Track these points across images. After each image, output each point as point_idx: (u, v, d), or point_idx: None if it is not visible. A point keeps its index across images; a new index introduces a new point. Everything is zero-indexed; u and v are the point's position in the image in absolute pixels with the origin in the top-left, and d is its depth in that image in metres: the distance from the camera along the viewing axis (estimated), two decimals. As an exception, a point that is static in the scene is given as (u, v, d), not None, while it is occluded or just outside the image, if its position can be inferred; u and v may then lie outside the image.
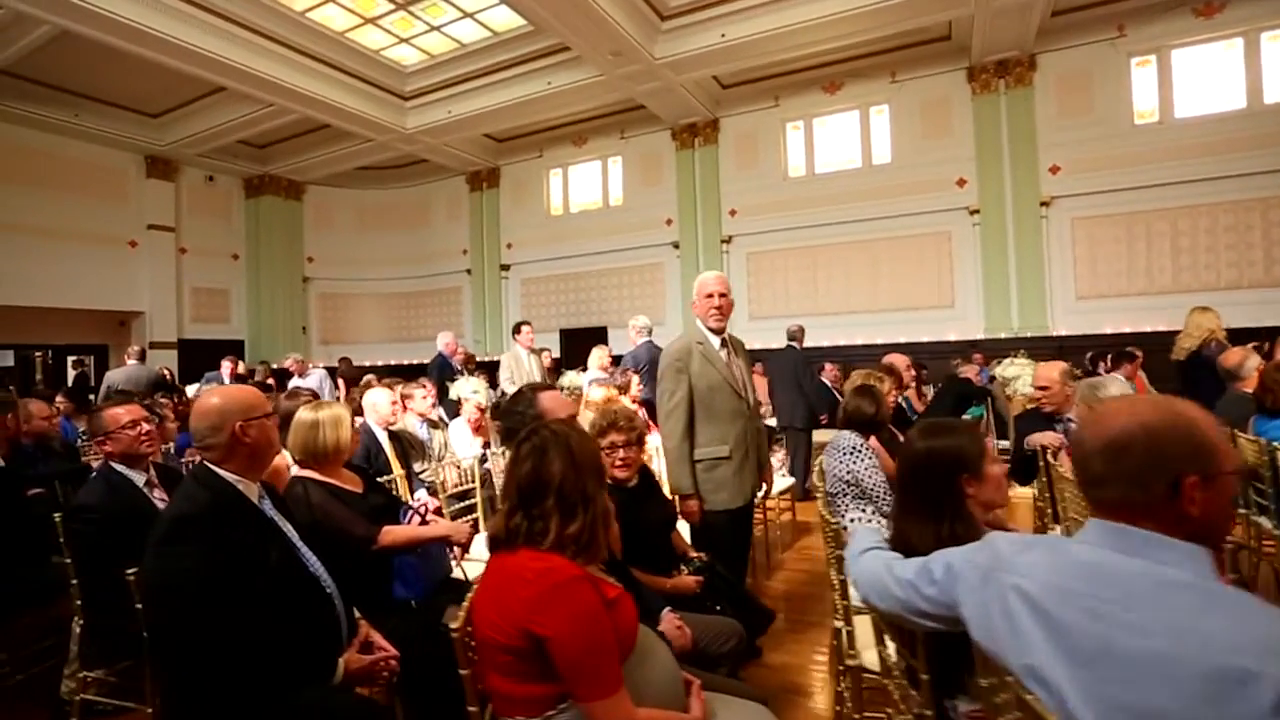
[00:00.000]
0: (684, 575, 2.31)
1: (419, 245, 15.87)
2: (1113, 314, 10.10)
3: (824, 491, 2.70)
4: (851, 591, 1.95)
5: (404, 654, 1.99)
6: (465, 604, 2.40)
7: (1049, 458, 2.91)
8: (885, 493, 2.84)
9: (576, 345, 12.87)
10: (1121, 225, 10.05)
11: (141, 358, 7.79)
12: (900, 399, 5.19)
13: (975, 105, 10.93)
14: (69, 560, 2.51)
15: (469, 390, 5.33)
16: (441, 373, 6.59)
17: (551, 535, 1.31)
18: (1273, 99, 9.25)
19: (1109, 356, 6.28)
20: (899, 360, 4.55)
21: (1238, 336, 6.57)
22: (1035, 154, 10.52)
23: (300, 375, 8.01)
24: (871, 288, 11.69)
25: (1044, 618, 0.95)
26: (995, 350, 9.92)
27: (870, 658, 1.97)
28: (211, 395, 1.78)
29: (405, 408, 4.43)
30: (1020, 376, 4.94)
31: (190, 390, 7.37)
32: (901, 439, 3.36)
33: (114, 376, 7.68)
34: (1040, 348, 9.34)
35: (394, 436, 4.01)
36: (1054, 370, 3.22)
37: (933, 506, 1.43)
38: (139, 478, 2.54)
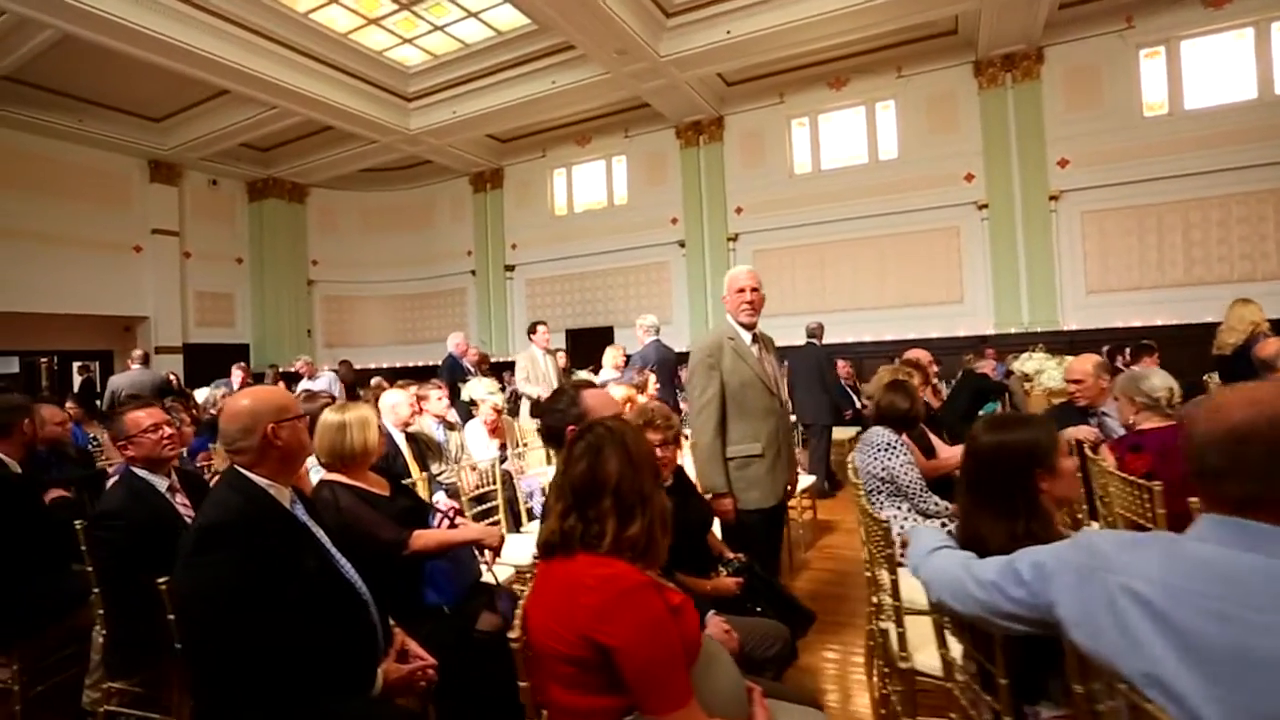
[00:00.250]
0: (723, 577, 2.25)
1: (423, 247, 15.82)
2: (1124, 308, 10.03)
3: (863, 489, 2.63)
4: (906, 591, 1.89)
5: (439, 661, 1.93)
6: (505, 611, 2.35)
7: (1087, 452, 2.85)
8: (921, 489, 2.78)
9: (583, 345, 12.81)
10: (1132, 218, 9.98)
11: (145, 362, 7.74)
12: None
13: (982, 99, 10.86)
14: (90, 568, 2.46)
15: (484, 391, 5.27)
16: (453, 374, 6.53)
17: (609, 538, 1.25)
18: (1284, 89, 9.19)
19: (1127, 350, 6.20)
20: (922, 355, 4.48)
21: (1255, 329, 6.50)
22: (1043, 148, 10.45)
23: (310, 377, 7.96)
24: (879, 284, 11.62)
25: (1162, 621, 0.89)
26: (1006, 346, 9.87)
27: (925, 660, 1.90)
28: (242, 397, 1.72)
29: (420, 409, 4.37)
30: (1045, 371, 4.87)
31: (200, 395, 7.31)
32: (932, 436, 3.30)
33: (118, 382, 7.63)
34: (1051, 343, 9.26)
35: (411, 438, 3.96)
36: (1088, 363, 3.16)
37: (1005, 503, 1.37)
38: (161, 483, 2.48)
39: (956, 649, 1.57)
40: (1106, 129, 10.04)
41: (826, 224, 11.91)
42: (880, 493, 2.82)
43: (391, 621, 1.95)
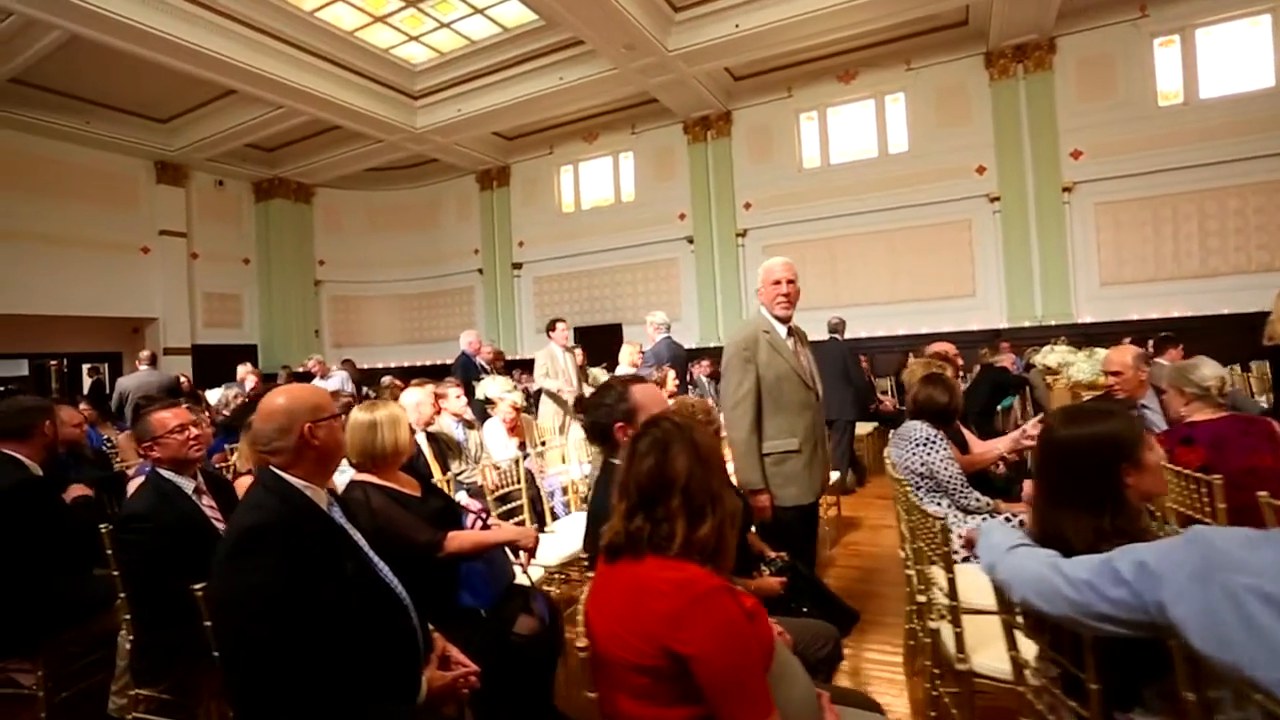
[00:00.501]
0: (766, 576, 2.19)
1: (430, 246, 15.77)
2: (1139, 300, 9.93)
3: (904, 485, 2.56)
4: (965, 590, 1.83)
5: (479, 666, 1.87)
6: (542, 614, 2.29)
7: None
8: (962, 485, 2.71)
9: (591, 343, 12.73)
10: (1147, 209, 9.87)
11: (153, 362, 7.67)
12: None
13: (993, 91, 10.75)
14: (116, 573, 2.41)
15: (502, 389, 5.22)
16: (466, 372, 6.48)
17: (678, 540, 1.19)
18: (1302, 76, 9.07)
19: (1150, 342, 6.12)
20: (949, 349, 4.41)
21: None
22: (1056, 139, 10.34)
23: (322, 377, 7.91)
24: (891, 278, 11.53)
25: None
26: (1019, 339, 9.79)
27: (983, 661, 1.84)
28: (277, 395, 1.66)
29: (439, 408, 4.32)
30: (1073, 363, 4.79)
31: (212, 396, 7.27)
32: (965, 430, 3.22)
33: (126, 383, 7.58)
34: (1064, 335, 9.19)
35: (432, 438, 3.90)
36: (1126, 355, 3.08)
37: (1089, 498, 1.30)
38: (187, 484, 2.43)
39: (1028, 650, 1.50)
40: (1120, 119, 9.92)
41: (836, 218, 11.82)
42: (919, 489, 2.75)
43: (430, 626, 1.89)
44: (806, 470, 2.63)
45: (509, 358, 13.00)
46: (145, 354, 7.82)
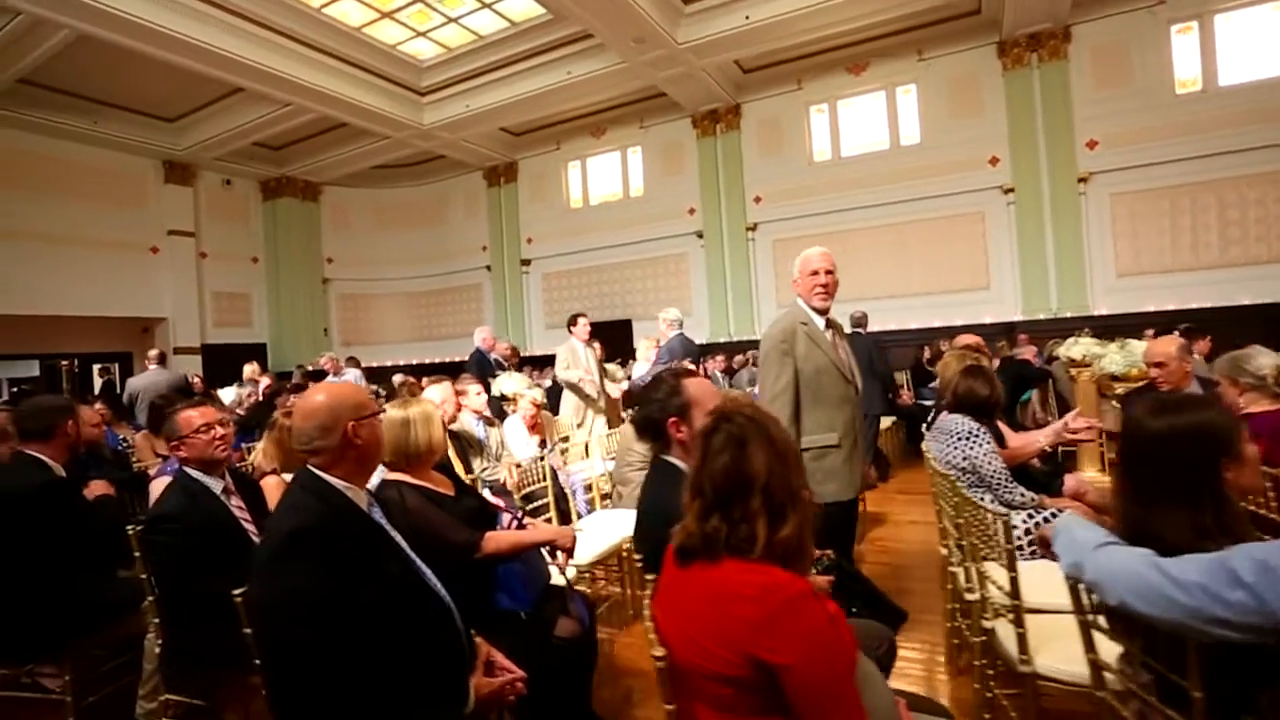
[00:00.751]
0: (814, 576, 2.12)
1: (437, 243, 15.72)
2: (1156, 291, 9.81)
3: (951, 479, 2.49)
4: (1029, 590, 1.76)
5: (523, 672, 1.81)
6: (581, 616, 2.23)
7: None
8: (1006, 479, 2.64)
9: (601, 339, 12.60)
10: (1164, 199, 9.74)
11: (162, 361, 7.61)
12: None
13: (1007, 81, 10.63)
14: (144, 575, 2.36)
15: (521, 386, 5.17)
16: (481, 369, 6.43)
17: (761, 542, 1.12)
18: (1324, 62, 8.93)
19: (1175, 332, 6.01)
20: (978, 340, 4.33)
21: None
22: (1071, 129, 10.21)
23: (335, 374, 7.87)
24: (903, 272, 11.42)
25: None
26: (1035, 332, 9.68)
27: (1047, 663, 1.77)
28: (316, 393, 1.60)
29: (459, 405, 4.25)
30: (1105, 355, 4.70)
31: (225, 396, 7.23)
32: (1001, 424, 3.14)
33: (135, 383, 7.54)
34: (1081, 328, 9.07)
35: (453, 435, 3.84)
36: (1170, 346, 3.00)
37: (1186, 494, 1.23)
38: (215, 485, 2.37)
39: (1110, 654, 1.43)
40: (1137, 108, 9.79)
41: (848, 211, 11.72)
42: (960, 484, 2.67)
43: (471, 630, 1.83)
44: (846, 465, 2.56)
45: (521, 355, 12.94)
46: (154, 353, 7.77)
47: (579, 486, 4.26)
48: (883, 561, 4.18)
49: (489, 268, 15.17)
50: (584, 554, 2.94)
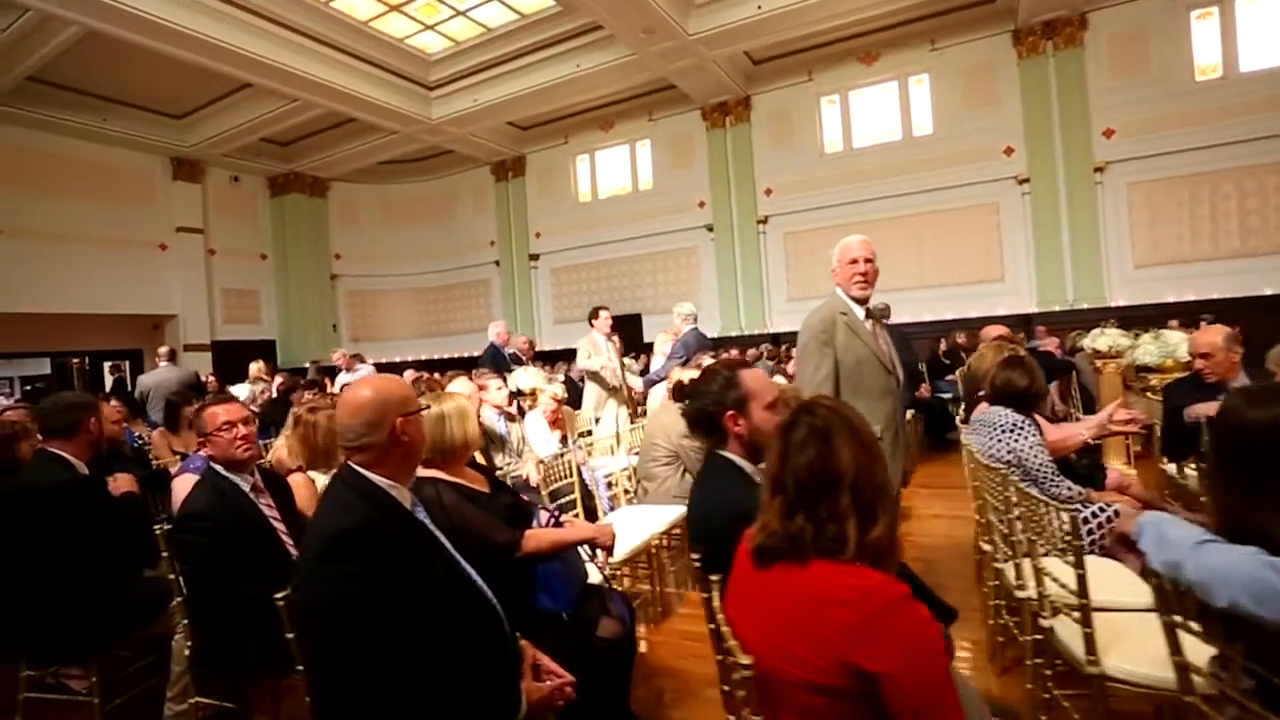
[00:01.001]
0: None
1: (445, 238, 15.66)
2: (1175, 282, 9.69)
3: (1002, 472, 2.41)
4: (1097, 590, 1.69)
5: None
6: (622, 616, 2.17)
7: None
8: (1053, 473, 2.57)
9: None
10: (1183, 188, 9.61)
11: (172, 358, 7.54)
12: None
13: (1022, 69, 10.50)
14: (173, 576, 2.30)
15: (536, 381, 5.11)
16: (496, 364, 6.37)
17: (852, 542, 1.05)
18: (1348, 47, 8.77)
19: (1201, 324, 5.90)
20: (1007, 331, 4.25)
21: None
22: (1088, 118, 10.08)
23: (348, 370, 7.82)
24: (916, 264, 11.31)
25: None
26: (1050, 323, 9.57)
27: (1116, 664, 1.70)
28: (362, 387, 1.53)
29: (480, 400, 4.19)
30: (1139, 346, 4.60)
31: (240, 393, 7.18)
32: (1038, 416, 3.06)
33: (145, 381, 7.49)
34: (1098, 319, 8.95)
35: (476, 431, 3.78)
36: (1217, 336, 2.92)
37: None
38: (244, 483, 2.31)
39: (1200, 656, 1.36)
40: (1155, 96, 9.65)
41: (860, 203, 11.62)
42: (1011, 477, 2.60)
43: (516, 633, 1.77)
44: (890, 459, 2.47)
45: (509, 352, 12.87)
46: (164, 350, 7.71)
47: (602, 483, 4.20)
48: (911, 557, 4.10)
49: (497, 263, 15.12)
50: (617, 551, 2.88)
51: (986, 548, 2.64)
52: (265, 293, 14.30)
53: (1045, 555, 2.03)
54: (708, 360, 5.33)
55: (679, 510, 3.60)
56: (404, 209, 15.78)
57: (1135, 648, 1.74)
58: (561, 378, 7.33)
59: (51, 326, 11.27)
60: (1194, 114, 9.39)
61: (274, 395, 6.78)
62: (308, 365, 10.64)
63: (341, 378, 7.56)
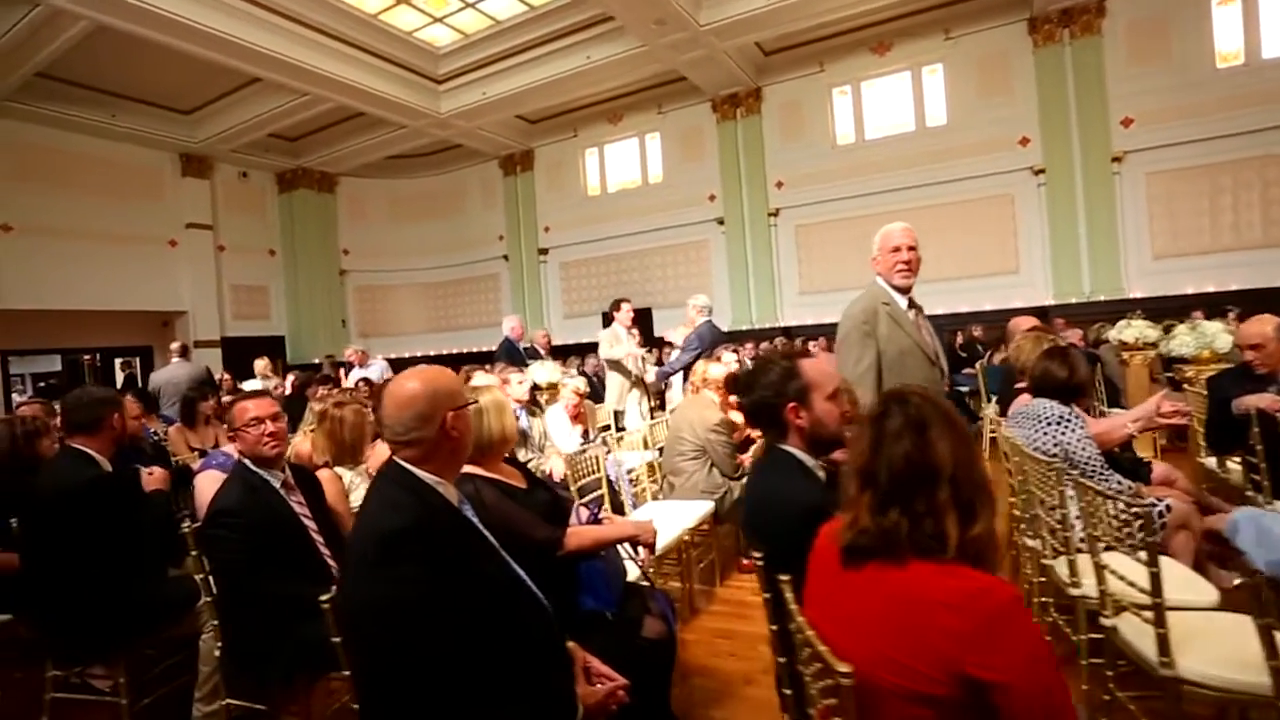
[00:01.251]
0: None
1: (454, 233, 15.60)
2: (1194, 273, 9.55)
3: (1054, 465, 2.33)
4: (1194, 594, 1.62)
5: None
6: (666, 615, 2.11)
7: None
8: (1102, 467, 2.49)
9: (621, 328, 12.56)
10: (1204, 178, 9.47)
11: (184, 354, 7.49)
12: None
13: (1038, 58, 10.36)
14: (201, 575, 2.25)
15: (554, 375, 5.05)
16: (510, 358, 6.32)
17: (953, 540, 0.98)
18: (1373, 32, 8.61)
19: (1230, 314, 5.81)
20: (1036, 323, 4.16)
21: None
22: (1105, 107, 9.95)
23: (361, 365, 7.78)
24: (930, 256, 10.78)
25: None
26: (1066, 316, 9.44)
27: (1191, 666, 1.63)
28: (409, 379, 1.46)
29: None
30: (1175, 337, 4.51)
31: (253, 389, 7.14)
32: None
33: (158, 377, 7.46)
34: (1115, 311, 8.87)
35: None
36: (1267, 326, 2.84)
37: None
38: (275, 479, 2.26)
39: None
40: (1175, 84, 9.51)
41: (872, 195, 11.50)
42: (1063, 470, 2.52)
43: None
44: (934, 454, 2.42)
45: (525, 345, 12.81)
46: (176, 345, 7.66)
47: (624, 478, 4.14)
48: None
49: (506, 257, 15.05)
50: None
51: (1032, 543, 2.57)
52: (274, 289, 14.28)
53: (1109, 550, 1.95)
54: (728, 354, 5.28)
55: (707, 506, 3.54)
56: (412, 204, 15.72)
57: (1209, 649, 1.67)
58: (575, 372, 7.28)
59: (62, 323, 11.27)
60: (1215, 102, 9.25)
61: (288, 391, 6.74)
62: (322, 360, 10.63)
63: (355, 373, 7.53)
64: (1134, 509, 1.72)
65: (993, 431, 4.74)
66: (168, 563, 2.75)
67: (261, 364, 8.42)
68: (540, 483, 2.29)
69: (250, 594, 2.11)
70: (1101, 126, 9.94)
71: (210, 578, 2.24)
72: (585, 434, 4.41)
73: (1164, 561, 2.21)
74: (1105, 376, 6.17)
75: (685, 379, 5.93)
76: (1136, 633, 1.79)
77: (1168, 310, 8.57)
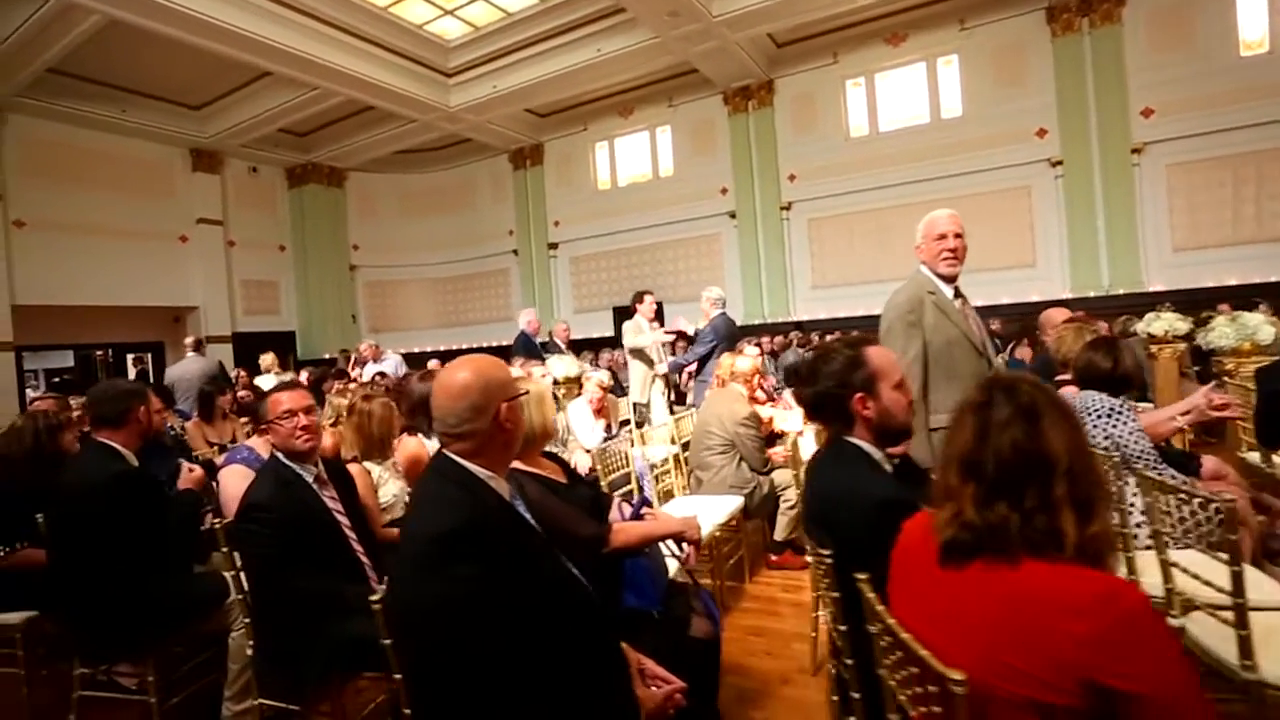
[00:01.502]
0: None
1: (463, 228, 15.54)
2: (1215, 266, 9.41)
3: (1110, 459, 2.26)
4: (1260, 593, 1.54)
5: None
6: (712, 613, 2.04)
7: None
8: (1156, 460, 2.41)
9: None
10: (1226, 169, 9.32)
11: (198, 348, 7.47)
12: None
13: (1056, 48, 10.21)
14: (231, 572, 2.20)
15: (572, 369, 4.99)
16: (527, 352, 6.25)
17: (1071, 538, 0.91)
18: (1403, 19, 8.44)
19: (1260, 307, 5.71)
20: (1069, 314, 4.08)
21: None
22: (1125, 97, 9.80)
23: (375, 360, 7.74)
24: (945, 249, 11.04)
25: None
26: (1085, 309, 9.31)
27: (1273, 668, 1.56)
28: (460, 369, 1.40)
29: (523, 389, 4.05)
30: (1214, 329, 4.42)
31: (265, 384, 7.10)
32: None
33: (173, 372, 7.44)
34: (1135, 305, 8.77)
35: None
36: (1320, 314, 2.75)
37: None
38: (308, 474, 2.20)
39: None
40: (1197, 73, 9.35)
41: (886, 189, 11.40)
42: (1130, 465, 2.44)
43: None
44: (984, 449, 2.34)
45: (541, 340, 12.76)
46: (190, 340, 7.64)
47: (645, 472, 4.07)
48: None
49: (516, 252, 14.99)
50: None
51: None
52: (284, 284, 14.26)
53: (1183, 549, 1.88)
54: (751, 347, 5.21)
55: (737, 501, 3.48)
56: (421, 199, 15.67)
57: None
58: (588, 365, 7.22)
59: (74, 319, 11.27)
60: (1238, 91, 9.09)
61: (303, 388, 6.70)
62: (336, 355, 10.61)
63: (369, 368, 7.49)
64: (1214, 504, 1.64)
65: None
66: (191, 559, 2.70)
67: (267, 359, 8.37)
68: (580, 478, 2.23)
69: (283, 590, 2.05)
70: (1121, 117, 9.80)
71: (241, 574, 2.20)
72: (608, 428, 4.35)
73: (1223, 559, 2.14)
74: (1132, 370, 6.07)
75: (699, 372, 5.87)
76: (1208, 633, 1.72)
77: (1189, 304, 8.47)
